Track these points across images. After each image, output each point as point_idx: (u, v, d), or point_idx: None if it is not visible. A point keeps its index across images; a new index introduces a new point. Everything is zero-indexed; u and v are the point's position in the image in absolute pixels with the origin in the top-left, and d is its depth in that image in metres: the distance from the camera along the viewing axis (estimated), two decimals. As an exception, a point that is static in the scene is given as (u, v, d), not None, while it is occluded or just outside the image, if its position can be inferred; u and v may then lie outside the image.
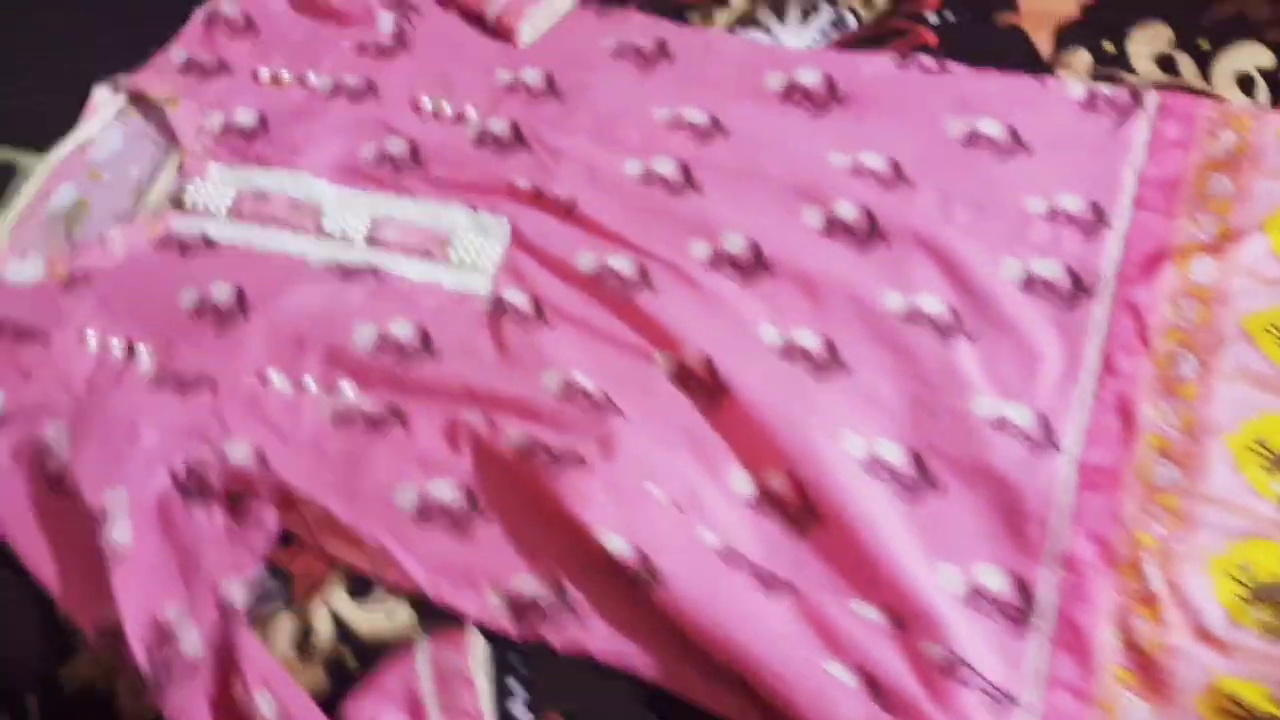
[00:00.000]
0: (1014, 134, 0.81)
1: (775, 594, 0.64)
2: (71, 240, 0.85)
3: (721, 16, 0.94)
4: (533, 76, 0.89)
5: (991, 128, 0.81)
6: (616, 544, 0.64)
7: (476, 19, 0.94)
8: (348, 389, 0.74)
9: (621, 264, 0.77)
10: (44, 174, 0.88)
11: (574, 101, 0.87)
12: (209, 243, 0.83)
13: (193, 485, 0.71)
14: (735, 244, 0.77)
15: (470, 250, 0.80)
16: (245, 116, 0.90)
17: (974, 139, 0.81)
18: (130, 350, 0.78)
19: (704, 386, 0.72)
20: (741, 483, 0.69)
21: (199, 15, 0.97)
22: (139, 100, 0.92)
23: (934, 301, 0.74)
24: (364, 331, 0.76)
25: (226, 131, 0.89)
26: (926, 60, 0.86)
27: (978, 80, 0.84)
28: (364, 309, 0.78)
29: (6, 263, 0.82)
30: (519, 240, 0.80)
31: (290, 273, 0.80)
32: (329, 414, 0.74)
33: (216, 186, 0.85)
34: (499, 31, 0.93)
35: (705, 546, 0.66)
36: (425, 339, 0.76)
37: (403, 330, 0.76)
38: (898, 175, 0.80)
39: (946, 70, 0.85)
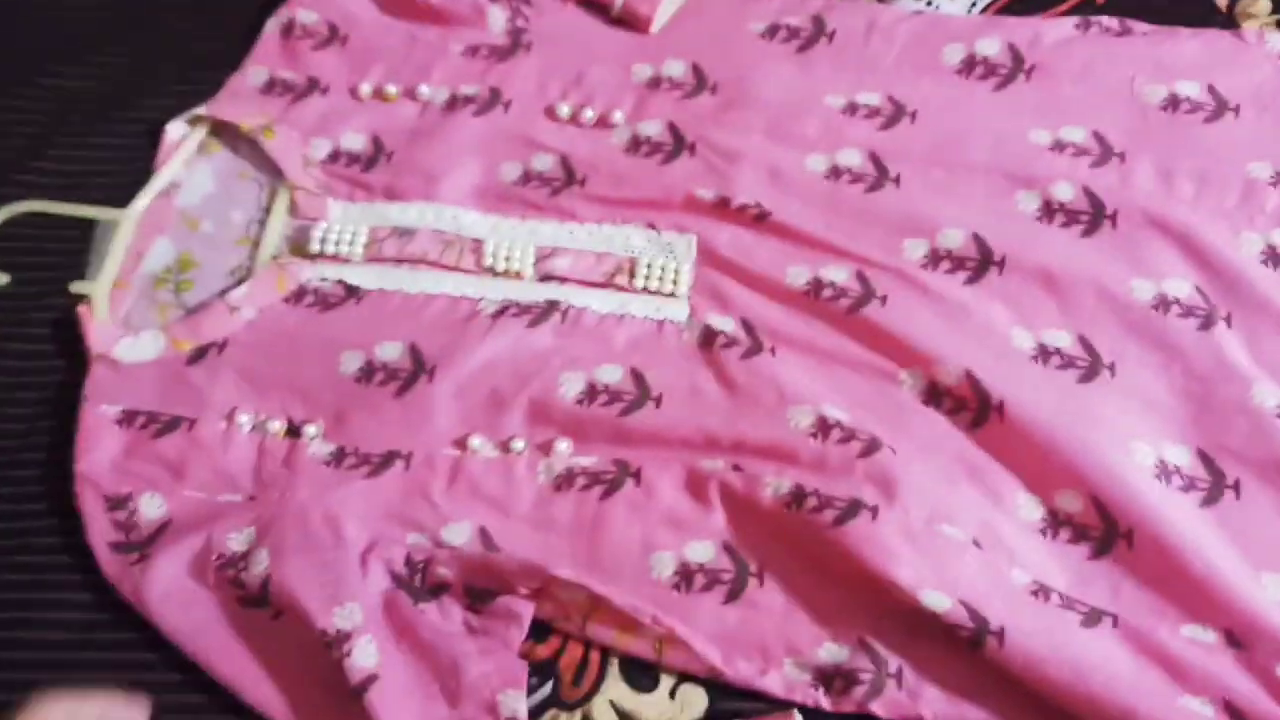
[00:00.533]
0: (1216, 95, 0.76)
1: (1099, 628, 0.59)
2: (182, 303, 0.74)
3: (869, -15, 0.86)
4: (677, 69, 0.80)
5: (1190, 89, 0.76)
6: (937, 600, 0.58)
7: (598, 8, 0.84)
8: (563, 447, 0.66)
9: (837, 274, 0.70)
10: (130, 229, 0.76)
11: (733, 94, 0.78)
12: (352, 293, 0.72)
13: (418, 582, 0.62)
14: (954, 240, 0.71)
15: (657, 274, 0.72)
16: (355, 141, 0.79)
17: (1174, 103, 0.76)
18: (293, 430, 0.68)
19: (965, 405, 0.65)
20: (1029, 508, 0.64)
21: (272, 27, 0.85)
22: (222, 132, 0.80)
23: (1182, 285, 0.69)
24: (569, 379, 0.67)
25: (336, 160, 0.78)
26: (1107, 21, 0.80)
27: (1167, 39, 0.79)
28: (559, 353, 0.69)
29: (116, 342, 0.70)
30: (711, 258, 0.72)
31: (464, 320, 0.70)
32: (548, 478, 0.65)
33: (344, 227, 0.74)
34: (627, 20, 0.83)
35: (1022, 588, 0.60)
36: (639, 380, 0.67)
37: (611, 374, 0.68)
38: (1105, 149, 0.74)
39: (1130, 30, 0.79)
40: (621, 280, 0.72)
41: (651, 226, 0.74)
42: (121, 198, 0.77)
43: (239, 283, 0.73)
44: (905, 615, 0.59)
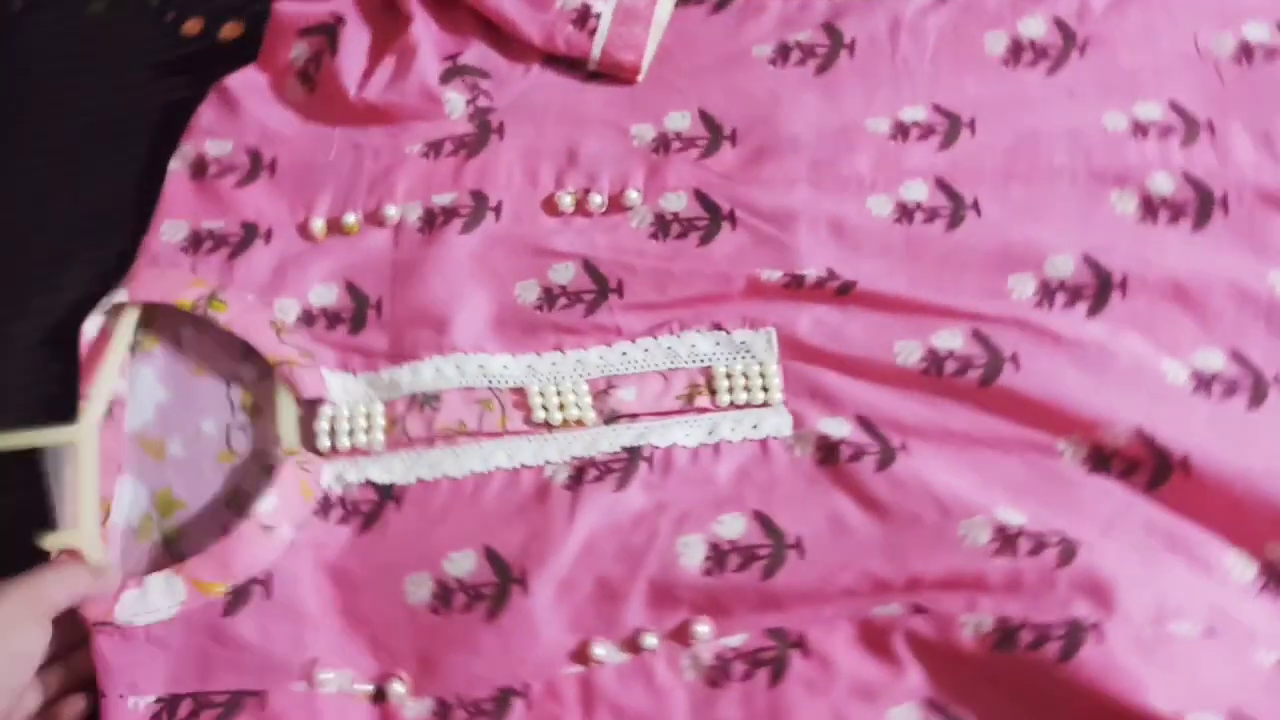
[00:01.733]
0: (1288, 30, 0.68)
1: None
2: (178, 554, 0.58)
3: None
4: (683, 122, 0.67)
5: (1260, 32, 0.68)
6: None
7: (570, 65, 0.70)
8: (704, 630, 0.55)
9: (952, 341, 0.60)
10: (94, 440, 0.59)
11: (758, 142, 0.66)
12: (387, 495, 0.59)
13: None
14: (1064, 267, 0.61)
15: (742, 383, 0.60)
16: (327, 295, 0.64)
17: (1247, 51, 0.67)
18: (381, 692, 0.54)
19: (1138, 465, 0.57)
20: (1241, 568, 0.56)
21: (177, 167, 0.68)
22: (155, 319, 0.64)
23: None
24: (689, 546, 0.56)
25: (311, 324, 0.63)
26: (1150, -30, 0.70)
27: (1219, -19, 0.70)
28: (662, 513, 0.57)
29: (118, 601, 0.54)
30: (797, 350, 0.61)
31: (536, 499, 0.58)
32: (697, 674, 0.54)
33: (353, 410, 0.60)
34: (608, 73, 0.69)
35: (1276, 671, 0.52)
36: (768, 526, 0.56)
37: (733, 527, 0.56)
38: (1189, 121, 0.65)
39: (1177, -21, 0.70)
40: (702, 400, 0.60)
41: (718, 327, 0.62)
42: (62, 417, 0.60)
43: (239, 501, 0.59)
44: None
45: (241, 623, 0.55)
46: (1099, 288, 0.61)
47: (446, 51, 0.69)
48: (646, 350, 0.61)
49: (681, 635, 0.55)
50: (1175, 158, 0.64)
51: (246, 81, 0.70)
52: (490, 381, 0.61)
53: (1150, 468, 0.56)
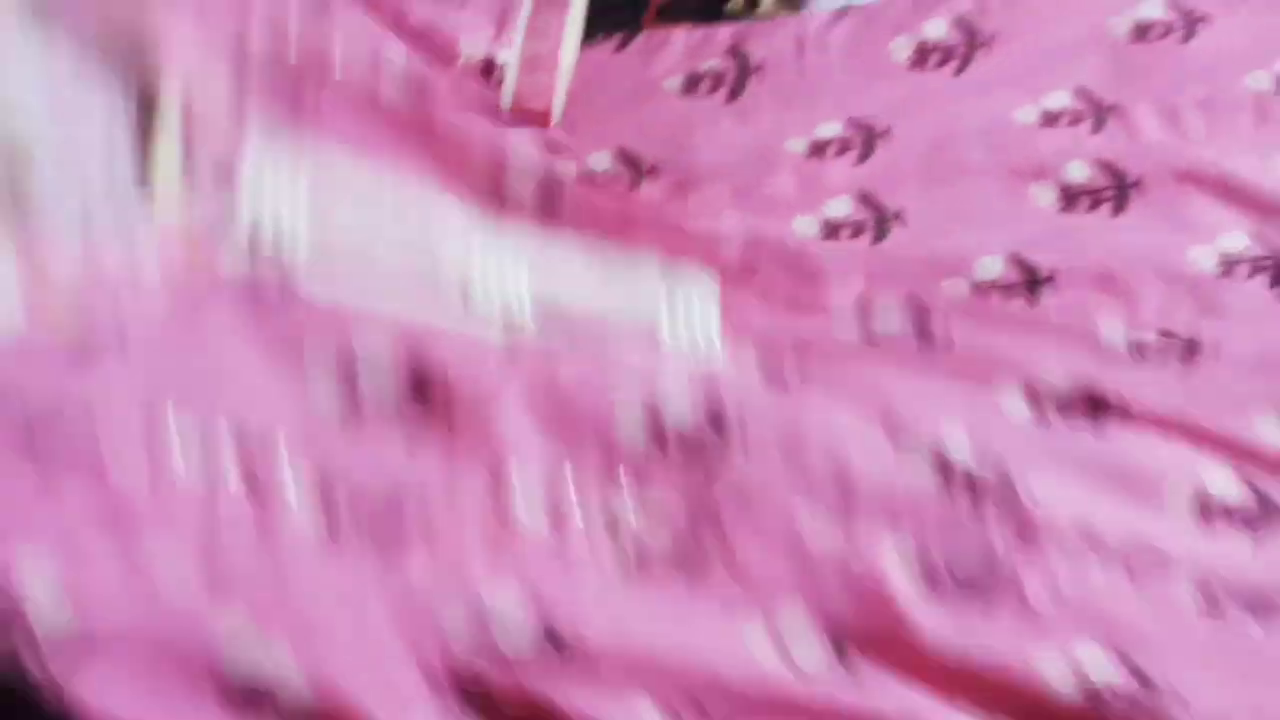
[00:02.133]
0: (1179, 8, 0.69)
1: None
2: (29, 223, 0.48)
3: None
4: (603, 162, 0.67)
5: (1153, 9, 0.69)
6: None
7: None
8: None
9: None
10: None
11: (680, 173, 0.66)
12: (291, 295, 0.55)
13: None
14: (993, 268, 0.62)
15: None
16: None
17: (1143, 30, 0.69)
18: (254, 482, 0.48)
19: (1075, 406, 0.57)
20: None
21: None
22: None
23: (1240, 239, 0.63)
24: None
25: (245, 65, 0.56)
26: (1047, -47, 0.71)
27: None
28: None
29: None
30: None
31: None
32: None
33: (278, 187, 0.54)
34: (522, 120, 0.69)
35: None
36: None
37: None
38: (1096, 107, 0.66)
39: (1066, -34, 0.71)
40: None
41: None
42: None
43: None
44: None
45: (87, 376, 0.48)
46: (1029, 284, 0.62)
47: None
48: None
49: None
50: (1087, 144, 0.65)
51: None
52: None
53: (1084, 408, 0.56)
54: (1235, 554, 0.51)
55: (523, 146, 0.62)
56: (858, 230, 0.64)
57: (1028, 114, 0.67)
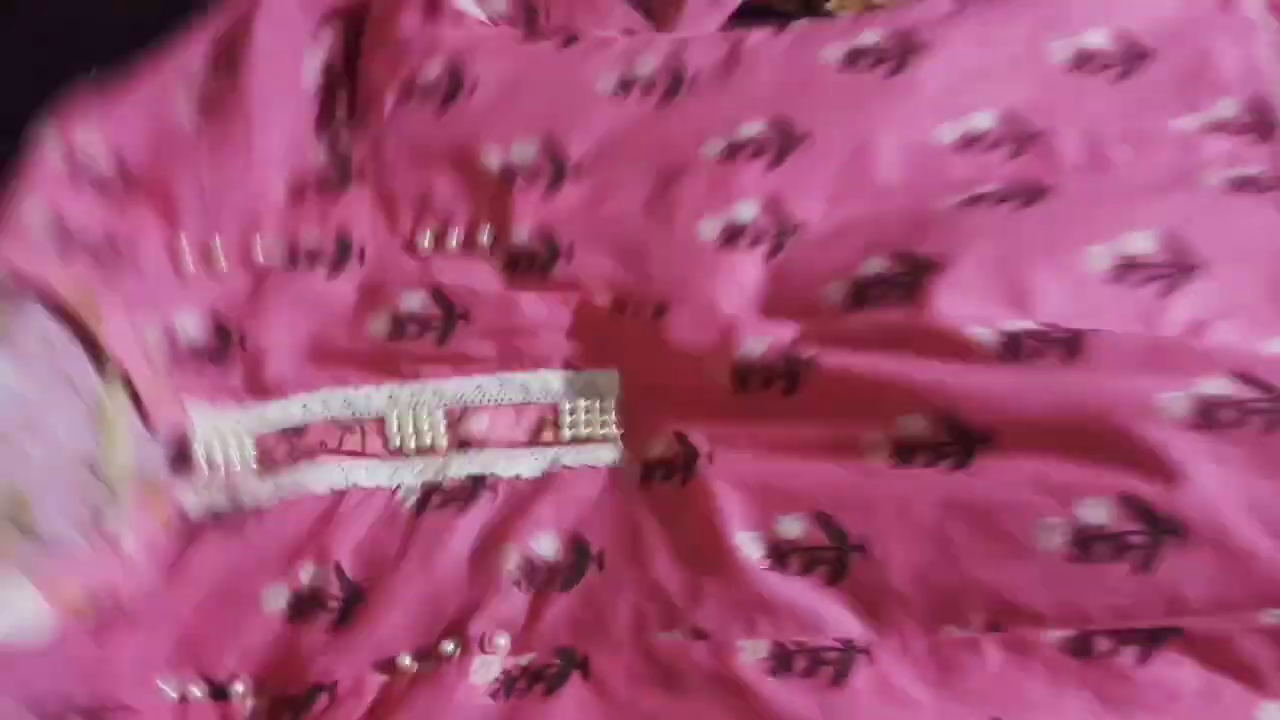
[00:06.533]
0: (1123, 40, 0.68)
1: None
2: (36, 545, 0.58)
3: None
4: (527, 152, 0.68)
5: (1098, 39, 0.68)
6: None
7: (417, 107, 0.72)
8: (501, 644, 0.59)
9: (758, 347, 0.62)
10: None
11: (599, 177, 0.68)
12: (247, 509, 0.64)
13: None
14: (877, 266, 0.63)
15: (581, 421, 0.65)
16: (193, 327, 0.67)
17: (1083, 59, 0.68)
18: (221, 692, 0.60)
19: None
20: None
21: (53, 148, 0.65)
22: (11, 293, 0.61)
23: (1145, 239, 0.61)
24: (506, 557, 0.60)
25: (175, 353, 0.66)
26: (984, -22, 0.71)
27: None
28: (490, 532, 0.62)
29: None
30: (635, 383, 0.65)
31: (384, 519, 0.63)
32: (484, 680, 0.58)
33: (225, 444, 0.65)
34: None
35: None
36: (578, 544, 0.61)
37: (548, 546, 0.61)
38: (1019, 132, 0.66)
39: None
40: (547, 435, 0.65)
41: (569, 365, 0.66)
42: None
43: (94, 519, 0.61)
44: None
45: (102, 642, 0.59)
46: (909, 282, 0.61)
47: None
48: (501, 384, 0.66)
49: (481, 644, 0.59)
50: (1005, 168, 0.65)
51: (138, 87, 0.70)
52: (354, 412, 0.66)
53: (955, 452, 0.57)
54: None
55: None
56: (756, 239, 0.66)
57: (945, 134, 0.67)
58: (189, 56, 0.71)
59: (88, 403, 0.62)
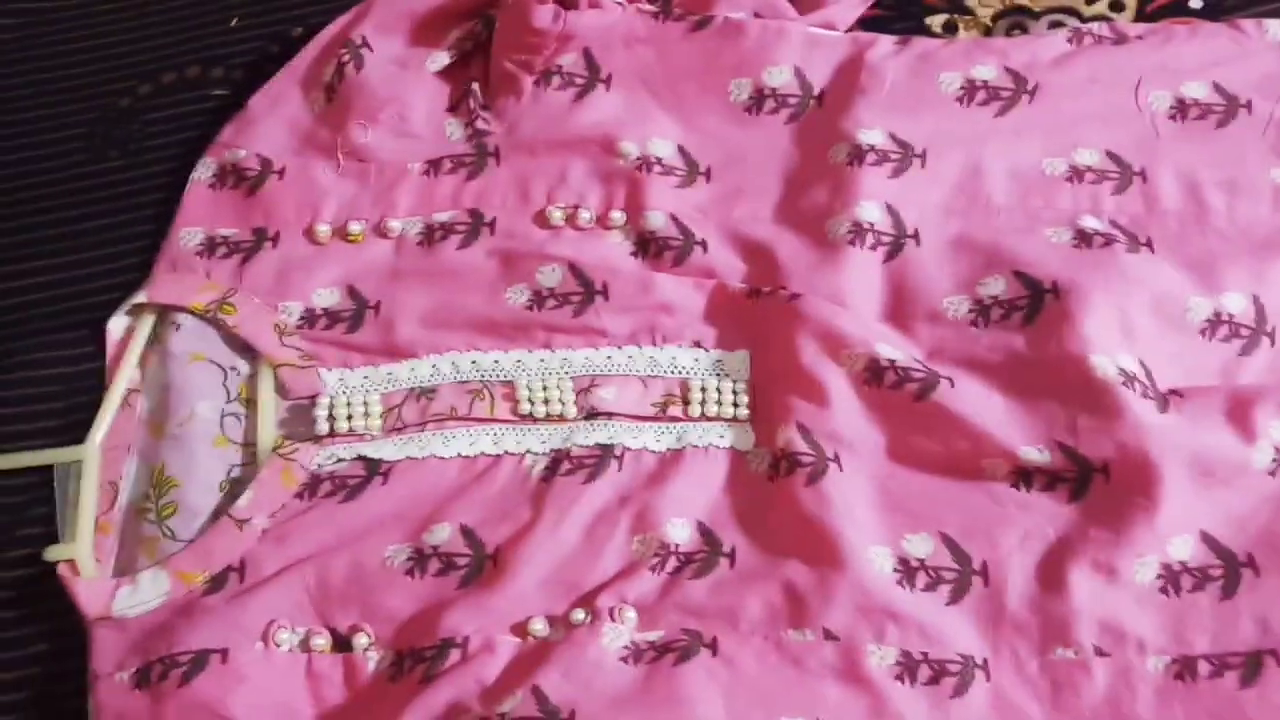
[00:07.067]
0: (1224, 93, 0.73)
1: None
2: (170, 532, 0.64)
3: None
4: (665, 149, 0.73)
5: (1198, 90, 0.74)
6: None
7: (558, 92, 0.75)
8: (630, 617, 0.60)
9: (896, 353, 0.65)
10: (95, 466, 0.65)
11: (731, 182, 0.72)
12: (375, 471, 0.65)
13: None
14: (997, 287, 0.67)
15: (712, 400, 0.66)
16: (329, 297, 0.69)
17: (1183, 108, 0.73)
18: (340, 642, 0.60)
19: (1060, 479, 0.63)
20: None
21: (200, 176, 0.74)
22: (170, 315, 0.69)
23: (1239, 300, 0.67)
24: (643, 544, 0.63)
25: (313, 324, 0.68)
26: (1099, 29, 0.75)
27: (1166, 41, 0.75)
28: (623, 508, 0.63)
29: (113, 596, 0.61)
30: (764, 369, 0.67)
31: (513, 484, 0.64)
32: (615, 645, 0.59)
33: (351, 399, 0.66)
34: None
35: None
36: (708, 536, 0.63)
37: (681, 533, 0.63)
38: (1122, 169, 0.71)
39: (1125, 37, 0.75)
40: (675, 410, 0.66)
41: (698, 344, 0.68)
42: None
43: (234, 490, 0.65)
44: None
45: (214, 600, 0.61)
46: (1032, 299, 0.65)
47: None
48: (630, 356, 0.67)
49: (611, 615, 0.60)
50: (1105, 204, 0.70)
51: (270, 93, 0.75)
52: (483, 376, 0.67)
53: (1072, 480, 0.62)
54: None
55: None
56: (878, 241, 0.69)
57: (1056, 165, 0.71)
58: (304, 60, 0.76)
59: (231, 389, 0.68)
